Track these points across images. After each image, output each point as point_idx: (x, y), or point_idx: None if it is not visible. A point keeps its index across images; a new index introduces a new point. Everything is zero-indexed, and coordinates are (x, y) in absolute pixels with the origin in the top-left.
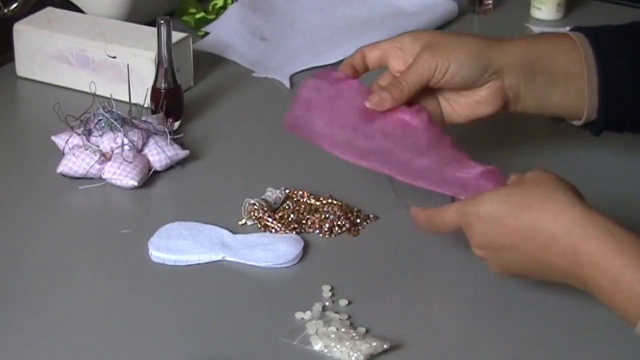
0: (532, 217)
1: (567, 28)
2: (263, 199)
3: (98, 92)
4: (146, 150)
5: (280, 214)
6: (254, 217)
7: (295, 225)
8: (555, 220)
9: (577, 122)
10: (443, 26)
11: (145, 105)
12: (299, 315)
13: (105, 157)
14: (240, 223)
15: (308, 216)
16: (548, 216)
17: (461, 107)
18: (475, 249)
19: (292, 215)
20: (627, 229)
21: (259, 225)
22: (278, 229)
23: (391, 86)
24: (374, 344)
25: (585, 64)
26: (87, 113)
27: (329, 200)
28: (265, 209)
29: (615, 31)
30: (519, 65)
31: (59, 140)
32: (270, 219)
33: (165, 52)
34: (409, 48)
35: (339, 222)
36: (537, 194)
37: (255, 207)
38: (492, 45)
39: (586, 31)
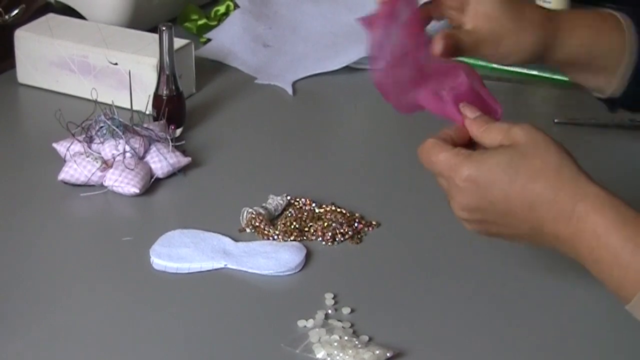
0: (537, 187)
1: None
2: (262, 207)
3: (99, 99)
4: (148, 158)
5: (282, 222)
6: (251, 226)
7: (298, 233)
8: (561, 191)
9: (597, 94)
10: None
11: (147, 112)
12: (301, 323)
13: (106, 165)
14: (240, 230)
15: (311, 224)
16: (554, 187)
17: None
18: (457, 210)
19: (294, 223)
20: (629, 205)
21: (257, 234)
22: (276, 237)
23: None
24: (377, 352)
25: (627, 45)
26: (89, 120)
27: (332, 208)
28: (262, 218)
29: None
30: (573, 54)
31: (60, 147)
32: (268, 228)
33: (167, 59)
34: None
35: (342, 230)
36: (540, 162)
37: (253, 215)
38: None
39: (631, 13)
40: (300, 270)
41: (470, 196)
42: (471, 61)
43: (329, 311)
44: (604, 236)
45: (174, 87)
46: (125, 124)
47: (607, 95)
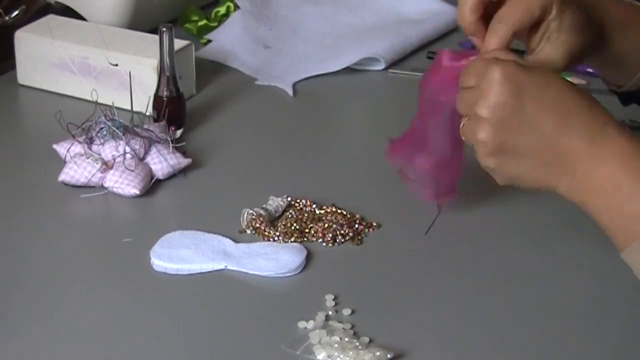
0: (574, 96)
1: None
2: (263, 208)
3: (100, 100)
4: (148, 159)
5: (283, 223)
6: (251, 227)
7: (298, 234)
8: (594, 106)
9: (611, 86)
10: (446, 34)
11: (147, 114)
12: (302, 324)
13: (107, 166)
14: (240, 231)
15: (311, 225)
16: (589, 99)
17: None
18: (483, 108)
19: (295, 224)
20: None
21: (258, 235)
22: (277, 238)
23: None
24: (378, 353)
25: None
26: (89, 121)
27: (332, 209)
28: (262, 219)
29: None
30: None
31: (61, 148)
32: (268, 229)
33: (168, 60)
34: None
35: (342, 231)
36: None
37: (253, 216)
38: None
39: None
40: (300, 272)
41: (503, 92)
42: None
43: (330, 312)
44: (633, 161)
45: (174, 88)
46: (125, 125)
47: (623, 89)
